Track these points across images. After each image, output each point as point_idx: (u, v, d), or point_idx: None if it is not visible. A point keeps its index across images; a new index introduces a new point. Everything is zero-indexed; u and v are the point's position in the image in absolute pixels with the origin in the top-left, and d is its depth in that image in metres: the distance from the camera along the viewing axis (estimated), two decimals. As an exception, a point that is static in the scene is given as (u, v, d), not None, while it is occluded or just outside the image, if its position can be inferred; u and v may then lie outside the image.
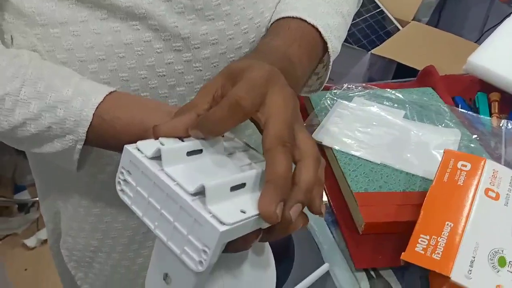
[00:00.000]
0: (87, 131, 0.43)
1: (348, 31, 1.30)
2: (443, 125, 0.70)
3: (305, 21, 0.49)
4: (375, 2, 1.38)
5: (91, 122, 0.42)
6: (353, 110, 0.72)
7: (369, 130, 0.68)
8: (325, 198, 0.60)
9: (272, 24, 0.52)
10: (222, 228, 0.29)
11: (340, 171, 0.61)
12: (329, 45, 0.51)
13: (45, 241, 1.75)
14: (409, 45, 1.22)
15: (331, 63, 0.53)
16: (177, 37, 0.47)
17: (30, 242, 1.72)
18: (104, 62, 0.46)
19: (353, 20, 1.32)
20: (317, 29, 0.50)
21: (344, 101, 0.73)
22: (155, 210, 0.33)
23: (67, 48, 0.46)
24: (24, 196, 1.91)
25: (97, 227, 0.60)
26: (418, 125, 0.70)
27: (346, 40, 1.21)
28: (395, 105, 0.74)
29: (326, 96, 0.74)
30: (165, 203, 0.32)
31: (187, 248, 0.31)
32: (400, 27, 1.38)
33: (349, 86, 0.77)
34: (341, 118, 0.69)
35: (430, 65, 0.83)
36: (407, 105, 0.74)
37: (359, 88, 0.77)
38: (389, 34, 1.33)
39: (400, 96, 0.76)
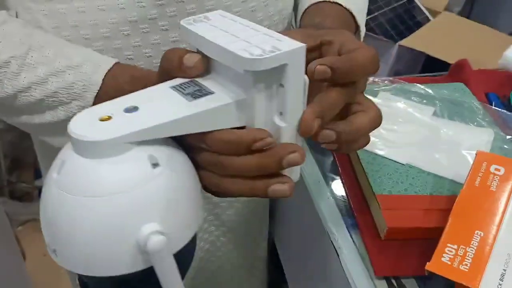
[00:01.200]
0: (94, 97, 0.42)
1: (375, 21, 1.24)
2: (475, 124, 0.65)
3: (340, 5, 0.50)
4: (405, -9, 1.32)
5: (99, 88, 0.42)
6: (378, 105, 0.67)
7: (395, 127, 0.64)
8: (342, 192, 0.57)
9: (307, 9, 0.52)
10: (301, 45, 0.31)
11: (363, 171, 0.57)
12: (361, 28, 0.52)
13: (65, 227, 1.77)
14: (440, 36, 1.16)
15: None
16: (183, 13, 0.46)
17: (50, 228, 1.74)
18: (109, 40, 0.46)
19: (380, 9, 1.26)
20: (350, 13, 0.50)
21: (369, 96, 0.69)
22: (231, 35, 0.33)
23: (72, 25, 0.45)
24: (45, 182, 1.93)
25: None
26: (448, 123, 0.65)
27: (372, 31, 1.16)
28: (424, 101, 0.69)
29: (350, 90, 0.70)
30: (246, 32, 0.33)
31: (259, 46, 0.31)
32: (431, 17, 1.32)
33: (374, 79, 0.72)
34: (365, 114, 0.65)
35: (463, 58, 0.78)
36: (437, 102, 0.69)
37: (385, 82, 0.73)
38: (419, 25, 1.27)
39: (430, 91, 0.71)
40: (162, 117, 0.31)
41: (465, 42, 1.09)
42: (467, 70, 0.76)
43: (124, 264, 0.30)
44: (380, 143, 0.61)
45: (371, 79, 0.72)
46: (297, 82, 0.32)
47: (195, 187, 0.34)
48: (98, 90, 0.42)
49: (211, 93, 0.34)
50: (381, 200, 0.53)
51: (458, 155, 0.59)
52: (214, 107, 0.32)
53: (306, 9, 0.53)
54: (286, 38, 0.32)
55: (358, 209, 0.56)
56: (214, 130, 0.33)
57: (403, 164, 0.58)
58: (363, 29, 0.53)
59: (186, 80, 0.35)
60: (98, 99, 0.42)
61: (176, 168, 0.32)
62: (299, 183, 0.63)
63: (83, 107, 0.42)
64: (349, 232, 0.54)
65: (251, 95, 0.33)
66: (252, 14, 0.53)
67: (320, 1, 0.50)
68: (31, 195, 1.88)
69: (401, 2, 1.31)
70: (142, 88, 0.35)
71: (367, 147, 0.59)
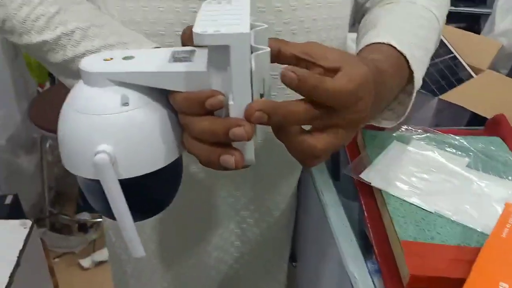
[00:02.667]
0: None
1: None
2: (510, 178, 0.63)
3: (394, 47, 0.50)
4: (447, 47, 1.32)
5: None
6: (410, 153, 0.67)
7: (426, 176, 0.63)
8: (367, 236, 0.56)
9: (363, 47, 0.53)
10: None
11: (388, 216, 0.56)
12: (415, 74, 0.51)
13: (100, 263, 1.79)
14: (481, 93, 1.15)
15: (414, 94, 0.52)
16: None
17: (85, 262, 1.77)
18: (163, 37, 0.54)
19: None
20: (404, 57, 0.50)
21: (401, 143, 0.69)
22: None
23: (136, 21, 0.54)
24: (85, 216, 1.98)
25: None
26: (482, 175, 0.64)
27: (413, 84, 1.17)
28: (458, 152, 0.68)
29: (381, 136, 0.70)
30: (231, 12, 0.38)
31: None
32: (474, 74, 1.31)
33: (407, 128, 0.72)
34: (396, 160, 0.65)
35: (501, 113, 0.77)
36: (471, 153, 0.68)
37: (419, 131, 0.72)
38: (461, 81, 1.26)
39: (465, 143, 0.70)
40: (140, 67, 0.39)
41: (505, 99, 1.07)
42: (504, 125, 0.75)
43: (84, 170, 0.39)
44: (409, 189, 0.60)
45: (403, 127, 0.72)
46: (240, 66, 0.35)
47: (160, 136, 0.40)
48: None
49: (190, 61, 0.39)
50: (405, 246, 0.52)
51: (489, 207, 0.57)
52: (178, 71, 0.38)
53: (362, 48, 0.54)
54: (246, 25, 0.35)
55: (382, 254, 0.54)
56: (179, 91, 0.39)
57: (431, 212, 0.57)
58: (417, 77, 0.52)
59: (188, 48, 0.41)
60: None
61: (144, 112, 0.39)
62: (324, 223, 0.62)
63: None
64: (371, 277, 0.53)
65: (208, 69, 0.37)
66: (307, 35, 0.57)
67: (377, 42, 0.51)
68: (70, 228, 1.93)
69: (443, 58, 1.31)
70: None
71: (395, 193, 0.59)
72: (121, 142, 0.38)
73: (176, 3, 0.53)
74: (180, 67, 0.38)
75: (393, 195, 0.59)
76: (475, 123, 1.03)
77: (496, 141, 0.72)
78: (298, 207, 0.80)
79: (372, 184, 0.60)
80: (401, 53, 0.50)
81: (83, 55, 0.49)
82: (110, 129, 0.38)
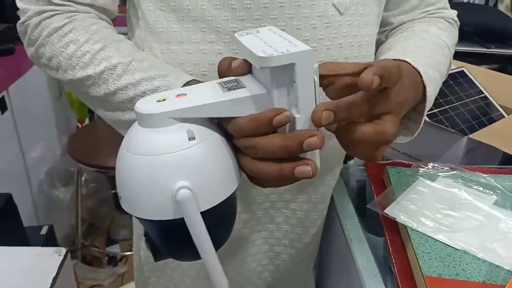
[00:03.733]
0: None
1: (446, 113, 1.25)
2: (539, 216, 0.62)
3: (409, 63, 0.53)
4: (478, 87, 1.32)
5: None
6: (436, 190, 0.67)
7: (452, 212, 0.63)
8: (391, 272, 0.56)
9: None
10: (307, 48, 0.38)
11: (413, 252, 0.56)
12: (427, 88, 0.54)
13: (127, 296, 1.80)
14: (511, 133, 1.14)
15: (426, 110, 0.55)
16: None
17: (114, 295, 1.79)
18: (206, 77, 0.56)
19: (451, 103, 1.27)
20: (419, 73, 0.53)
21: (427, 180, 0.69)
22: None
23: (180, 62, 0.57)
24: (115, 249, 2.01)
25: None
26: (509, 214, 0.63)
27: (442, 123, 1.17)
28: (485, 190, 0.68)
29: (408, 173, 0.70)
30: (276, 40, 0.41)
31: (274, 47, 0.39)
32: (505, 115, 1.30)
33: (434, 165, 0.73)
34: (421, 197, 0.65)
35: (531, 152, 0.76)
36: (498, 192, 0.68)
37: (446, 168, 0.73)
38: (493, 122, 1.25)
39: (492, 181, 0.70)
40: (198, 101, 0.40)
41: (538, 140, 1.06)
42: (535, 163, 0.74)
43: (162, 211, 0.39)
44: (434, 226, 0.60)
45: (430, 164, 0.73)
46: (306, 79, 0.39)
47: (227, 163, 0.42)
48: None
49: (243, 87, 0.41)
50: (429, 281, 0.52)
51: (517, 245, 0.57)
52: (237, 97, 0.40)
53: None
54: (301, 43, 0.39)
55: (406, 290, 0.54)
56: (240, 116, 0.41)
57: (456, 249, 0.57)
58: (430, 92, 0.54)
59: (231, 78, 0.44)
60: None
61: (209, 144, 0.41)
62: (348, 257, 0.63)
63: None
64: (394, 313, 0.53)
65: (270, 90, 0.40)
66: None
67: (393, 59, 0.55)
68: (100, 260, 1.96)
69: (474, 98, 1.31)
70: None
71: (420, 229, 0.59)
72: (196, 175, 0.39)
73: (218, 45, 0.56)
74: (238, 94, 0.40)
75: (418, 231, 0.59)
76: (509, 163, 1.01)
77: (525, 180, 0.71)
78: (321, 242, 0.80)
79: (397, 220, 0.61)
80: (416, 69, 0.53)
81: (125, 87, 0.52)
82: (185, 165, 0.39)
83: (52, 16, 0.55)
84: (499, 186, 0.69)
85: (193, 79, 0.52)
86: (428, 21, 0.68)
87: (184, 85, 0.51)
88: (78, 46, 0.54)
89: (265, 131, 0.40)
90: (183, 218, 0.39)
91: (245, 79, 0.43)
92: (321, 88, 0.44)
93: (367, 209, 0.66)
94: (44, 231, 1.46)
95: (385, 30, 0.71)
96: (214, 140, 0.41)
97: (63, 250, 0.77)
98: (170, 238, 0.43)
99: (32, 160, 1.72)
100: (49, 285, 0.71)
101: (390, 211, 0.62)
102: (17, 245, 0.85)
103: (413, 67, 0.53)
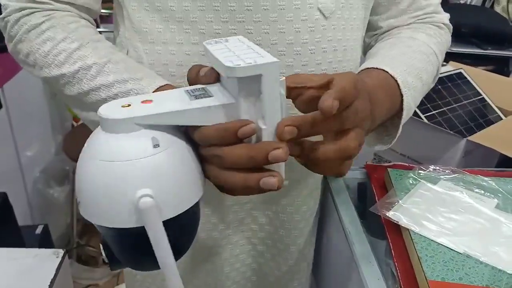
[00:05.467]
0: None
1: (444, 115, 1.25)
2: (541, 220, 0.62)
3: (387, 72, 0.54)
4: (476, 89, 1.33)
5: None
6: (438, 193, 0.67)
7: (454, 216, 0.63)
8: (394, 276, 0.55)
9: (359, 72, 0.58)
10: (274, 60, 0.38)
11: (416, 255, 0.56)
12: (404, 97, 0.54)
13: (123, 296, 1.79)
14: (510, 134, 1.14)
15: (403, 119, 0.56)
16: None
17: (109, 295, 1.78)
18: None
19: (449, 105, 1.27)
20: (396, 82, 0.54)
21: (428, 183, 0.69)
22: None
23: (164, 63, 0.57)
24: (111, 248, 2.00)
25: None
26: (511, 217, 0.63)
27: (440, 125, 1.17)
28: (487, 193, 0.68)
29: (409, 176, 0.70)
30: (244, 50, 0.41)
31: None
32: (503, 116, 1.31)
33: (435, 168, 0.73)
34: (423, 200, 0.65)
35: (531, 155, 0.77)
36: (500, 195, 0.68)
37: (447, 171, 0.72)
38: (490, 123, 1.26)
39: (493, 184, 0.70)
40: (165, 108, 0.39)
41: (537, 142, 1.06)
42: (535, 166, 0.74)
43: (123, 219, 0.38)
44: (437, 229, 0.60)
45: (431, 167, 0.73)
46: (272, 91, 0.39)
47: (191, 172, 0.41)
48: None
49: (210, 96, 0.41)
50: (433, 286, 0.51)
51: (520, 249, 0.57)
52: (204, 106, 0.40)
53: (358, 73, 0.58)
54: (268, 55, 0.39)
55: (409, 294, 0.54)
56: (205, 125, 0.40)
57: (459, 253, 0.57)
58: (407, 101, 0.55)
59: (199, 86, 0.43)
60: None
61: (174, 152, 0.40)
62: (350, 261, 0.62)
63: None
64: (398, 317, 0.53)
65: (238, 100, 0.40)
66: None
67: (371, 67, 0.56)
68: (96, 260, 1.94)
69: (472, 99, 1.31)
70: None
71: (423, 232, 0.59)
72: (160, 183, 0.38)
73: (202, 47, 0.54)
74: (205, 102, 0.40)
75: (421, 235, 0.59)
76: (505, 165, 1.02)
77: (525, 183, 0.71)
78: (320, 245, 0.80)
79: (400, 223, 0.60)
80: (393, 78, 0.54)
81: (98, 88, 0.52)
82: (148, 172, 0.38)
83: (32, 13, 0.55)
84: (500, 189, 0.69)
85: (166, 84, 0.51)
86: (417, 28, 0.68)
87: (157, 89, 0.50)
88: (55, 44, 0.53)
89: (231, 141, 0.40)
90: (143, 227, 0.38)
91: (213, 88, 0.43)
92: (290, 100, 0.44)
93: (368, 211, 0.66)
94: (39, 230, 1.45)
95: (375, 34, 0.71)
96: (179, 148, 0.40)
97: (61, 252, 0.76)
98: (129, 247, 0.42)
99: (27, 159, 1.70)
100: (47, 287, 0.70)
101: (392, 214, 0.62)
102: (12, 244, 0.84)
103: (391, 75, 0.54)
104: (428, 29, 0.67)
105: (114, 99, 0.51)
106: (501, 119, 1.29)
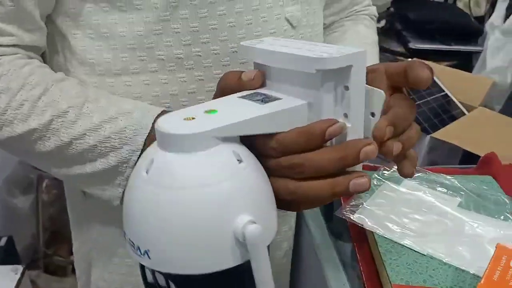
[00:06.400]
0: (145, 140, 0.44)
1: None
2: (502, 218, 0.63)
3: None
4: (439, 85, 1.34)
5: (149, 132, 0.44)
6: (402, 194, 0.67)
7: (418, 217, 0.63)
8: (359, 279, 0.55)
9: None
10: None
11: (380, 259, 0.56)
12: None
13: (94, 304, 1.76)
14: (474, 130, 1.16)
15: None
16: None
17: (79, 304, 1.73)
18: None
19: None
20: None
21: (392, 184, 0.69)
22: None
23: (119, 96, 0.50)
24: (80, 257, 1.95)
25: (127, 280, 0.60)
26: (473, 215, 0.64)
27: (405, 122, 1.18)
28: (450, 192, 0.68)
29: (373, 177, 0.70)
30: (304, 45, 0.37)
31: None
32: (466, 112, 1.33)
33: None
34: (387, 201, 0.65)
35: (492, 152, 0.78)
36: (462, 193, 0.68)
37: (411, 171, 0.73)
38: (453, 119, 1.27)
39: (456, 182, 0.71)
40: (241, 116, 0.33)
41: (499, 137, 1.08)
42: (496, 163, 0.75)
43: (224, 259, 0.30)
44: (401, 231, 0.60)
45: (395, 167, 0.73)
46: (360, 84, 0.35)
47: (271, 189, 0.35)
48: (148, 133, 0.44)
49: (279, 98, 0.37)
50: (397, 290, 0.51)
51: (482, 248, 0.57)
52: (287, 108, 0.35)
53: None
54: (346, 47, 0.36)
55: (374, 298, 0.54)
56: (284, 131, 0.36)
57: (423, 255, 0.56)
58: None
59: (251, 91, 0.39)
60: (149, 143, 0.44)
61: (256, 165, 0.34)
62: (317, 265, 0.62)
63: (134, 152, 0.45)
64: (363, 323, 0.52)
65: (319, 97, 0.35)
66: None
67: None
68: (65, 270, 1.90)
69: (435, 96, 1.33)
70: None
71: (387, 235, 0.59)
72: (256, 203, 0.32)
73: (162, 75, 0.50)
74: (279, 105, 0.36)
75: (385, 237, 0.59)
76: (469, 160, 1.03)
77: (487, 180, 0.72)
78: (294, 253, 0.79)
79: (364, 226, 0.60)
80: None
81: (83, 135, 0.44)
82: (241, 194, 0.31)
83: None
84: (462, 187, 0.69)
85: (163, 110, 0.47)
86: (356, 20, 0.72)
87: (156, 117, 0.45)
88: (11, 95, 0.45)
89: (317, 145, 0.36)
90: (243, 264, 0.31)
91: (269, 91, 0.38)
92: None
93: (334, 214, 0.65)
94: (3, 242, 1.41)
95: None
96: (256, 162, 0.35)
97: (20, 269, 0.74)
98: None
99: (-12, 168, 1.65)
100: (6, 306, 0.68)
101: (357, 217, 0.61)
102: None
103: None
104: (365, 20, 0.72)
105: (107, 143, 0.45)
106: (465, 114, 1.31)
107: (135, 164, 0.42)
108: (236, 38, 0.51)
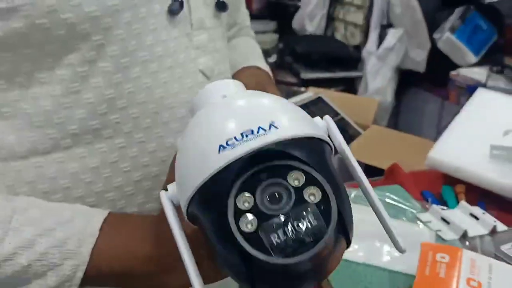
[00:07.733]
0: (91, 252, 0.39)
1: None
2: (417, 222, 0.71)
3: (259, 68, 0.67)
4: (334, 110, 1.46)
5: (96, 241, 0.39)
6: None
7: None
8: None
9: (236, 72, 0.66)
10: None
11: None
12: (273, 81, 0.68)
13: None
14: (371, 146, 1.28)
15: None
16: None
17: None
18: (69, 190, 0.45)
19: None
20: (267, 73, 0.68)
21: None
22: None
23: (28, 181, 0.44)
24: None
25: None
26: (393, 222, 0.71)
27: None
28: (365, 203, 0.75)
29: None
30: None
31: None
32: (361, 131, 1.45)
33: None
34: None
35: (394, 163, 0.87)
36: (379, 203, 0.75)
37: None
38: (351, 138, 1.39)
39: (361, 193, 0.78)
40: None
41: (395, 150, 1.20)
42: (401, 173, 0.84)
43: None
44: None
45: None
46: None
47: None
48: (95, 243, 0.39)
49: None
50: (344, 300, 0.55)
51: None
52: None
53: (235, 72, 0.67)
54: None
55: (324, 312, 0.57)
56: None
57: (359, 263, 0.61)
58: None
59: None
60: (95, 255, 0.39)
61: None
62: None
63: (79, 266, 0.38)
64: (318, 337, 0.55)
65: None
66: None
67: (246, 66, 0.67)
68: None
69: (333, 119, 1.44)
70: (141, 234, 0.39)
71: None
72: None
73: (79, 149, 0.45)
74: None
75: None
76: (372, 174, 1.13)
77: (396, 189, 0.80)
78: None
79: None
80: (264, 70, 0.68)
81: (13, 255, 0.37)
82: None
83: None
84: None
85: (109, 213, 0.41)
86: (241, 36, 0.77)
87: (104, 222, 0.40)
88: None
89: None
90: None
91: None
92: None
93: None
94: None
95: None
96: None
97: None
98: None
99: None
100: None
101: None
102: None
103: (262, 70, 0.67)
104: (248, 37, 0.78)
105: (43, 261, 0.38)
106: (360, 133, 1.44)
107: (81, 282, 0.38)
108: (154, 98, 0.48)
